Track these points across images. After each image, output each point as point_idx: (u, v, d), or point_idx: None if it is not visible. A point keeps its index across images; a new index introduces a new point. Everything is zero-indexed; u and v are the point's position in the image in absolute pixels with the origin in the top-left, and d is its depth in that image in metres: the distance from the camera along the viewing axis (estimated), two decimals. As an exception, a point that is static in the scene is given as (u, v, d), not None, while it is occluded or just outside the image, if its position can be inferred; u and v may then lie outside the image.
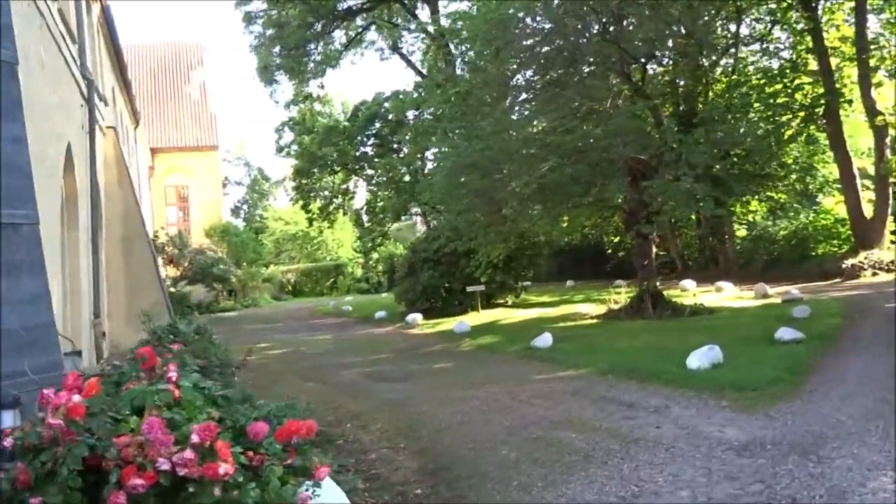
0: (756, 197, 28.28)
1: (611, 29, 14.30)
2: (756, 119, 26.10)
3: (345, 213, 36.68)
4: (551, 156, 13.24)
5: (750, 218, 31.87)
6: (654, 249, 16.18)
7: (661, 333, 12.49)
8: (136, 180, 27.53)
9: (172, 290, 22.92)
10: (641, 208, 13.86)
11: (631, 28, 14.34)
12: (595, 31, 14.28)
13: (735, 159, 24.68)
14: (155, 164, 40.31)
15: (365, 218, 33.60)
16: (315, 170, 29.76)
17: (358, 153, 31.66)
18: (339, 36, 26.45)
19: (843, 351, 9.70)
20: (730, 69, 27.70)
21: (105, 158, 15.58)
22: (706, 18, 25.79)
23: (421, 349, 13.71)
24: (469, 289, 18.59)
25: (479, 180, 13.85)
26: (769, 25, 27.11)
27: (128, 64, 42.73)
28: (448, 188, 15.34)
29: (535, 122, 17.00)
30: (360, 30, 26.06)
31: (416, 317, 18.35)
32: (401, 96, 28.38)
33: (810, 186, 28.76)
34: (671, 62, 26.00)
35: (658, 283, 25.09)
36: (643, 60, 14.73)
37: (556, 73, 16.27)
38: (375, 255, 38.72)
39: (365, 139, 31.60)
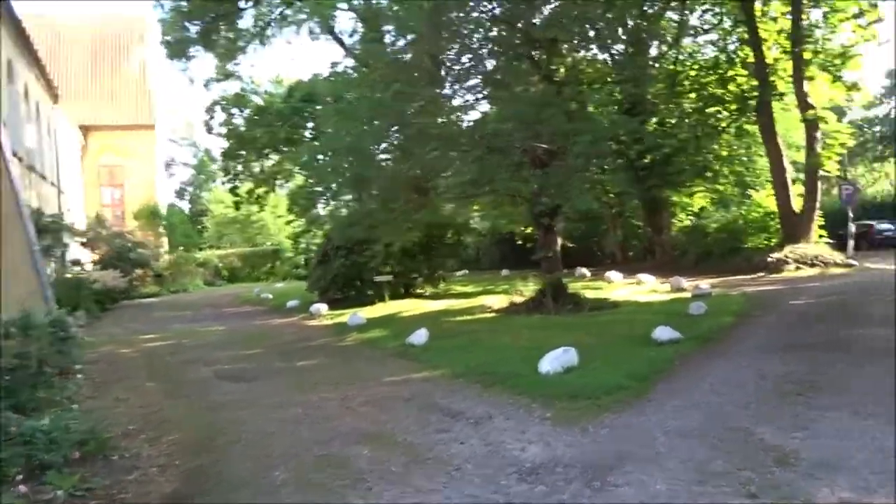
0: (688, 189, 28.12)
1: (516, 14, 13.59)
2: (690, 110, 25.86)
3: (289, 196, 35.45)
4: (433, 142, 12.56)
5: (693, 209, 31.75)
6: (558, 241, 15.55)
7: (549, 330, 11.92)
8: (52, 159, 26.35)
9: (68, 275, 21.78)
10: (538, 198, 13.24)
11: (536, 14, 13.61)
12: (497, 16, 13.54)
13: (667, 150, 24.39)
14: (88, 142, 38.83)
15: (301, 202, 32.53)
16: (244, 151, 28.66)
17: (294, 136, 30.55)
18: (266, 13, 25.39)
19: (715, 354, 9.19)
20: (672, 60, 27.36)
21: (-26, 138, 14.51)
22: (654, 9, 25.45)
23: (302, 343, 13.00)
24: (377, 279, 17.87)
25: (357, 165, 13.12)
26: (720, 16, 26.67)
27: (60, 40, 41.11)
28: (327, 172, 14.52)
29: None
30: (282, 6, 25.02)
31: (321, 307, 17.59)
32: (333, 78, 27.37)
33: (747, 179, 28.67)
34: (619, 52, 25.61)
35: (589, 274, 24.86)
36: (546, 46, 13.94)
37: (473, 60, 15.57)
38: (316, 240, 37.74)
39: (301, 121, 30.49)
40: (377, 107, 13.20)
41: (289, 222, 34.72)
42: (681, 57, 26.97)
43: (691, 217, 31.69)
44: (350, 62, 25.62)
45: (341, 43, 26.51)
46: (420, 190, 17.17)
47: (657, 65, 27.28)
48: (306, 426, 6.82)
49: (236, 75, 27.72)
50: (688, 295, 16.21)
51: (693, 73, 25.91)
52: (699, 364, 8.61)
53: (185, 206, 56.29)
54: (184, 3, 22.71)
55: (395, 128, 14.81)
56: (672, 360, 8.72)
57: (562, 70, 19.25)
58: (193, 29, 22.94)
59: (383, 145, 14.92)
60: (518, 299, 15.33)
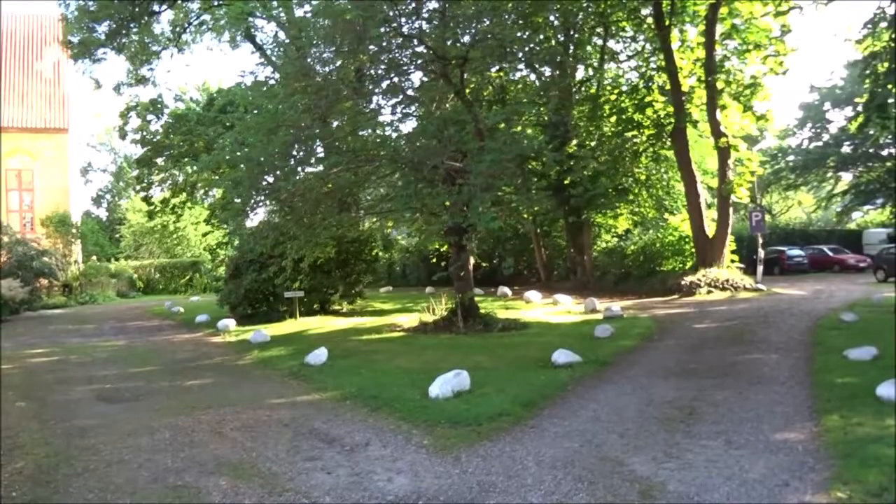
0: (613, 211, 28.56)
1: (422, 28, 13.44)
2: (610, 134, 26.33)
3: (191, 207, 34.45)
4: (333, 156, 12.25)
5: (618, 230, 32.21)
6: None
7: (452, 351, 11.75)
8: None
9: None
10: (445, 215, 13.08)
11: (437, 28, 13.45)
12: (406, 31, 13.36)
13: (588, 173, 24.73)
14: (-6, 144, 36.90)
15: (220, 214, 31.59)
16: (160, 160, 27.64)
17: (214, 145, 29.66)
18: (182, 18, 24.60)
19: (607, 379, 9.14)
20: (596, 83, 27.86)
21: None
22: (580, 35, 25.82)
23: (197, 361, 12.42)
24: (287, 294, 17.36)
25: (257, 177, 12.69)
26: (642, 43, 27.29)
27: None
28: (239, 183, 14.00)
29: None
30: (196, 13, 24.28)
31: (229, 323, 16.96)
32: (257, 88, 26.74)
33: (665, 202, 29.34)
34: (545, 75, 25.87)
35: (511, 294, 24.89)
36: (457, 62, 13.78)
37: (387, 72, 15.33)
38: (231, 253, 36.78)
39: (222, 130, 29.65)
40: (275, 118, 12.79)
41: (206, 234, 33.69)
42: (604, 82, 27.52)
43: (616, 238, 32.21)
44: (270, 71, 25.04)
45: (262, 51, 25.95)
46: (342, 204, 16.81)
47: (582, 88, 27.80)
48: (168, 453, 6.38)
49: (151, 81, 26.71)
50: (600, 317, 16.31)
51: (613, 97, 26.44)
52: (590, 389, 8.53)
53: (102, 213, 54.20)
54: (90, 3, 21.71)
55: (316, 142, 14.47)
56: (565, 385, 8.64)
57: (489, 89, 19.27)
58: (101, 30, 21.95)
59: (297, 158, 14.49)
60: (429, 318, 15.11)
